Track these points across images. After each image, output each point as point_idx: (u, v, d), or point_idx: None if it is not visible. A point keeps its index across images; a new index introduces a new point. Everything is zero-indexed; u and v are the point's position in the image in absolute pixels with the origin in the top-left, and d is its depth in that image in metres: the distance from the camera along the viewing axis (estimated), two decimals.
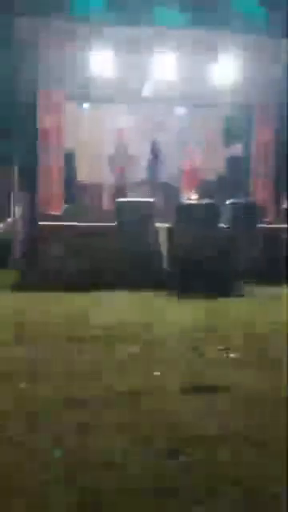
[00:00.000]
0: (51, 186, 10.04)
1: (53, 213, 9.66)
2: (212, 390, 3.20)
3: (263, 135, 10.77)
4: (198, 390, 3.20)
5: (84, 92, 10.88)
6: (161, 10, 9.56)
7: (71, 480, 2.12)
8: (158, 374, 3.54)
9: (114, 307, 5.82)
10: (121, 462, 2.28)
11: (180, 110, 12.75)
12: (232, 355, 4.02)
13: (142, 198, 9.66)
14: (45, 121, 9.93)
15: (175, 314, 5.51)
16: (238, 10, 9.66)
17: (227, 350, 4.14)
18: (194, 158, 10.21)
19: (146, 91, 10.88)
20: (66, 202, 10.31)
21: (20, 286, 7.03)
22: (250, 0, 9.94)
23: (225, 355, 4.02)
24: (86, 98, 11.82)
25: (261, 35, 9.77)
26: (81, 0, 9.70)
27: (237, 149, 11.97)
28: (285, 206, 11.84)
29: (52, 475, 2.16)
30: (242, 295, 6.71)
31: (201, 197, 10.14)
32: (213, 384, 3.29)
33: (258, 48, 9.75)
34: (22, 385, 3.27)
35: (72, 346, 4.23)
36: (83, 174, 11.70)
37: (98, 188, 12.10)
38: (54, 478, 2.14)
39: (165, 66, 9.80)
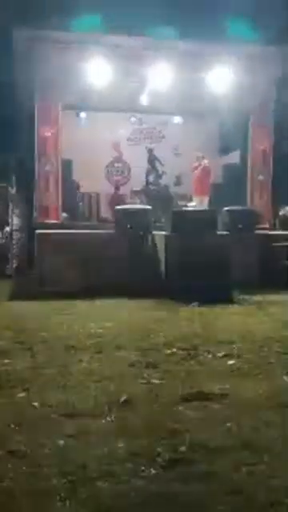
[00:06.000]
0: (49, 194, 10.07)
1: (51, 221, 9.68)
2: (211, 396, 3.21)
3: (260, 143, 10.83)
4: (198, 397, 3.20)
5: (82, 101, 10.94)
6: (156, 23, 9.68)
7: (71, 490, 2.12)
8: (157, 381, 3.54)
9: (112, 315, 5.83)
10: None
11: (177, 119, 12.84)
12: (230, 362, 4.03)
13: (140, 205, 9.69)
14: (43, 130, 9.98)
15: (173, 322, 5.52)
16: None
17: (226, 356, 4.15)
18: (204, 163, 10.18)
19: (143, 101, 10.94)
20: (63, 211, 10.34)
21: (17, 296, 7.02)
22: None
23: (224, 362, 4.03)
24: (83, 107, 11.90)
25: (255, 44, 9.85)
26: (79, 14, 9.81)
27: (233, 156, 12.03)
28: (282, 213, 11.90)
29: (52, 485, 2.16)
30: (240, 303, 6.73)
31: (211, 201, 10.00)
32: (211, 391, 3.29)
33: (252, 57, 9.82)
34: None
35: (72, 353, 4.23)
36: (81, 183, 11.75)
37: (95, 196, 12.15)
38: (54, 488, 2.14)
39: (161, 76, 9.86)
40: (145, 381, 3.54)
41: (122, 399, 3.14)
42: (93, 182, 11.87)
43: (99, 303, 6.57)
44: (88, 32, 9.48)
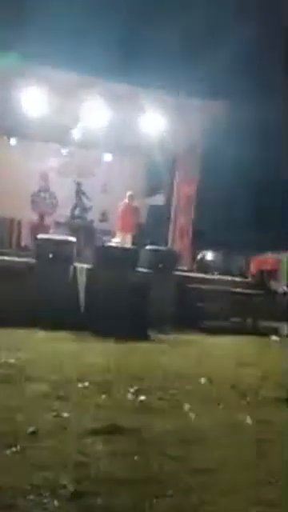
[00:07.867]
0: None
1: None
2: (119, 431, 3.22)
3: (184, 187, 11.33)
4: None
5: (13, 128, 10.86)
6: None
7: None
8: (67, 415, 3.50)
9: (26, 345, 5.68)
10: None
11: (108, 157, 13.11)
12: (141, 397, 4.08)
13: (63, 236, 9.65)
14: None
15: (87, 356, 5.49)
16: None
17: (137, 391, 4.19)
18: (131, 201, 10.39)
19: (76, 135, 11.10)
20: None
21: None
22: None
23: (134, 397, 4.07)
24: (14, 134, 11.82)
25: (186, 95, 10.45)
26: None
27: (158, 198, 12.46)
28: (199, 256, 12.42)
29: None
30: (154, 340, 6.85)
31: (134, 239, 10.11)
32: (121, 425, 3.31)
33: (182, 106, 10.38)
34: None
35: None
36: (3, 208, 11.51)
37: (17, 223, 11.94)
38: None
39: (94, 112, 10.11)
40: (54, 413, 3.48)
41: (29, 430, 3.07)
42: (16, 208, 11.68)
43: (13, 333, 6.37)
44: (25, 62, 9.53)
